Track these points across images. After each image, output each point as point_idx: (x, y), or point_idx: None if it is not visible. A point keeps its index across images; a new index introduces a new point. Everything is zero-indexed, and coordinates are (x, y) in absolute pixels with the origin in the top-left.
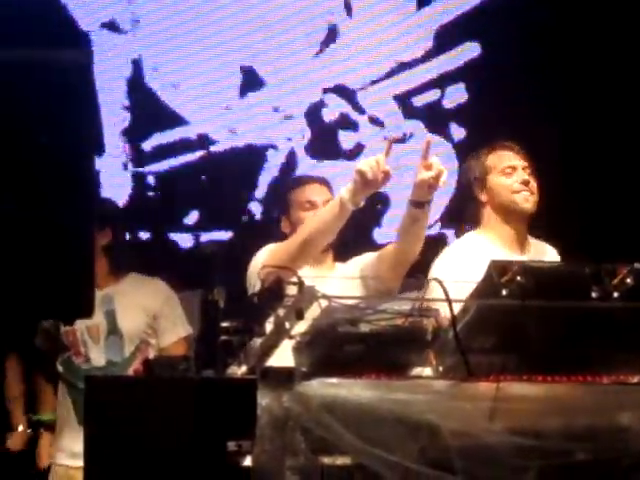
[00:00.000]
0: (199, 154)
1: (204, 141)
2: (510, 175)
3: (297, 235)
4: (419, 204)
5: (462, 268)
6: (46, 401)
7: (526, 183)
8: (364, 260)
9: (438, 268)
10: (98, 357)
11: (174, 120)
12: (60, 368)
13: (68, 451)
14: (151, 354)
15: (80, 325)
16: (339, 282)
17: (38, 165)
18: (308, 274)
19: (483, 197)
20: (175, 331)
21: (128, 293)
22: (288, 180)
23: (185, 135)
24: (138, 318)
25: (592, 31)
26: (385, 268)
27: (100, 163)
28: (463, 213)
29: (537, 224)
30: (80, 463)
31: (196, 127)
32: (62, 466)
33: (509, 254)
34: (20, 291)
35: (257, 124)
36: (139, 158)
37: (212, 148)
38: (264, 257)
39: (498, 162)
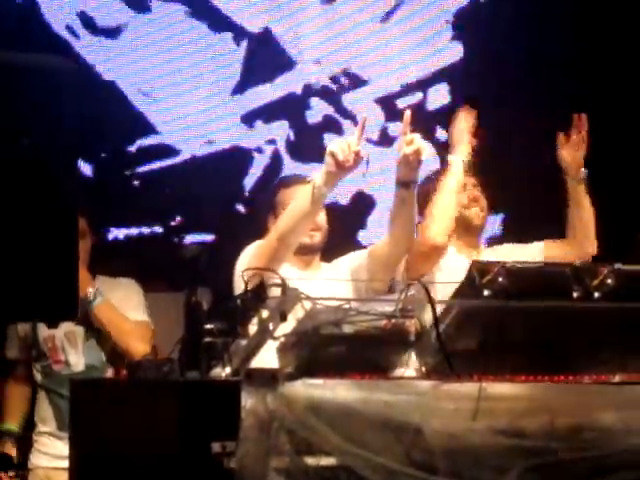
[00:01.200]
0: (183, 157)
1: (187, 145)
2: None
3: (277, 228)
4: (405, 184)
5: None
6: (11, 411)
7: (475, 199)
8: (353, 260)
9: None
10: (77, 362)
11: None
12: (39, 376)
13: (47, 454)
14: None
15: (58, 332)
16: (326, 283)
17: (20, 166)
18: (294, 276)
19: None
20: (140, 314)
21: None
22: (277, 179)
23: (167, 139)
24: None
25: (576, 32)
26: (378, 263)
27: (83, 165)
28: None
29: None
30: (60, 464)
31: (179, 131)
32: (42, 468)
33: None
34: (4, 294)
35: (241, 126)
36: (123, 161)
37: (196, 151)
38: (248, 257)
39: None
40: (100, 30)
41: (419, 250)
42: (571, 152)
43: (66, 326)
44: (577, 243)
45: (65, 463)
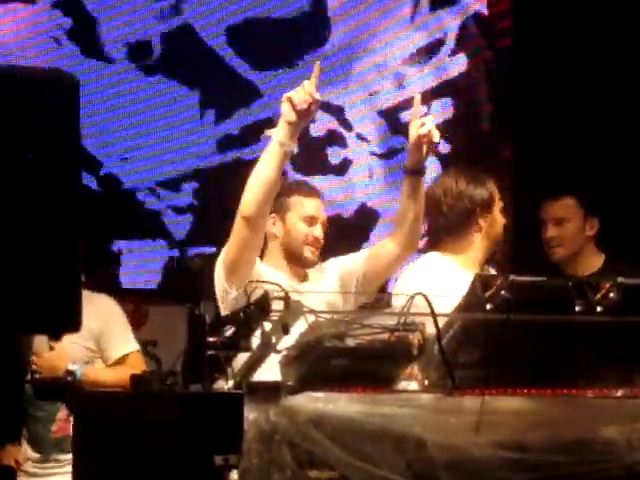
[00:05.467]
0: (186, 169)
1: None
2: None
3: (242, 205)
4: (416, 171)
5: (428, 286)
6: None
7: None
8: (343, 265)
9: (405, 283)
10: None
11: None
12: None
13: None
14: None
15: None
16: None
17: (23, 179)
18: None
19: (483, 224)
20: (126, 344)
21: None
22: (293, 183)
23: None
24: (79, 340)
25: (579, 45)
26: (380, 264)
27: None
28: (450, 227)
29: None
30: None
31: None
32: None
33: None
34: (5, 307)
35: (245, 138)
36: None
37: (200, 163)
38: (220, 265)
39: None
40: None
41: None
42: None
43: (37, 345)
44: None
45: None
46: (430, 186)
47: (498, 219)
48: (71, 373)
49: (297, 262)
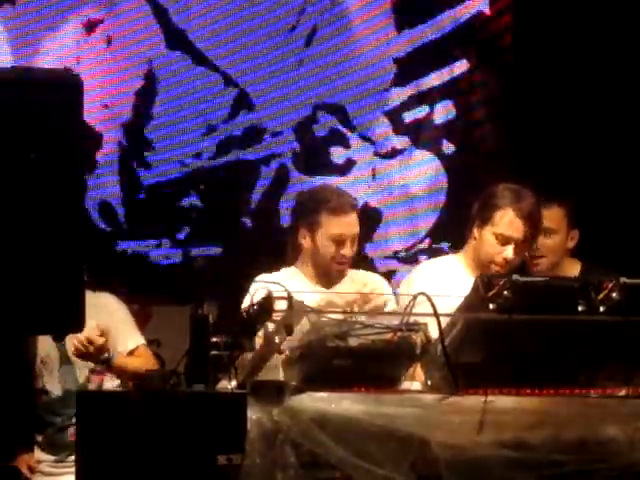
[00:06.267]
0: (189, 170)
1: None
2: (503, 245)
3: None
4: None
5: (437, 287)
6: None
7: (507, 259)
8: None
9: (414, 282)
10: (54, 387)
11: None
12: None
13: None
14: (107, 375)
15: (35, 358)
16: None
17: (26, 179)
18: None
19: (476, 235)
20: (133, 338)
21: None
22: (325, 194)
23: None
24: None
25: (581, 44)
26: None
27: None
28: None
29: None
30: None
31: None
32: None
33: None
34: (9, 307)
35: (248, 139)
36: (130, 174)
37: (203, 163)
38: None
39: (499, 223)
40: None
41: None
42: None
43: (42, 351)
44: None
45: None
46: None
47: (487, 242)
48: (107, 359)
49: (325, 276)
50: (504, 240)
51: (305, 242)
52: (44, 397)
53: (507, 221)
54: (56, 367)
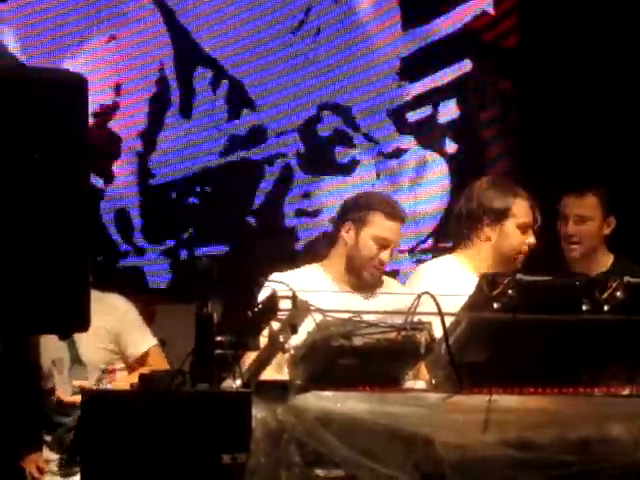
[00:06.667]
0: (194, 170)
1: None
2: (524, 233)
3: None
4: None
5: (440, 286)
6: None
7: (531, 246)
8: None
9: (417, 283)
10: (64, 388)
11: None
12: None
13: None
14: (118, 375)
15: (45, 360)
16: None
17: (31, 180)
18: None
19: (491, 234)
20: (145, 341)
21: None
22: (382, 197)
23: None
24: (98, 343)
25: (587, 44)
26: None
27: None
28: (457, 228)
29: None
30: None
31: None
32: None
33: None
34: (14, 306)
35: (253, 140)
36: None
37: (208, 163)
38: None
39: (519, 213)
40: None
41: None
42: None
43: (53, 352)
44: None
45: None
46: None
47: (511, 234)
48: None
49: (356, 277)
50: (525, 228)
51: (347, 236)
52: (54, 397)
53: (524, 209)
54: (66, 368)
